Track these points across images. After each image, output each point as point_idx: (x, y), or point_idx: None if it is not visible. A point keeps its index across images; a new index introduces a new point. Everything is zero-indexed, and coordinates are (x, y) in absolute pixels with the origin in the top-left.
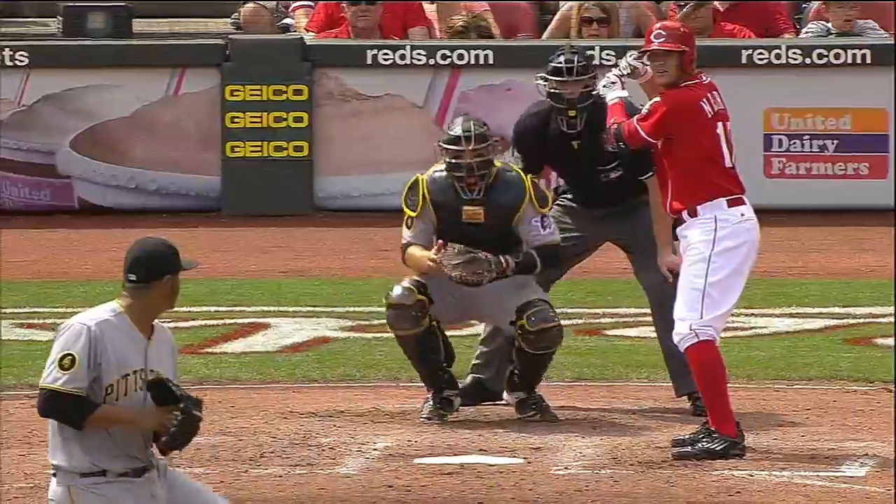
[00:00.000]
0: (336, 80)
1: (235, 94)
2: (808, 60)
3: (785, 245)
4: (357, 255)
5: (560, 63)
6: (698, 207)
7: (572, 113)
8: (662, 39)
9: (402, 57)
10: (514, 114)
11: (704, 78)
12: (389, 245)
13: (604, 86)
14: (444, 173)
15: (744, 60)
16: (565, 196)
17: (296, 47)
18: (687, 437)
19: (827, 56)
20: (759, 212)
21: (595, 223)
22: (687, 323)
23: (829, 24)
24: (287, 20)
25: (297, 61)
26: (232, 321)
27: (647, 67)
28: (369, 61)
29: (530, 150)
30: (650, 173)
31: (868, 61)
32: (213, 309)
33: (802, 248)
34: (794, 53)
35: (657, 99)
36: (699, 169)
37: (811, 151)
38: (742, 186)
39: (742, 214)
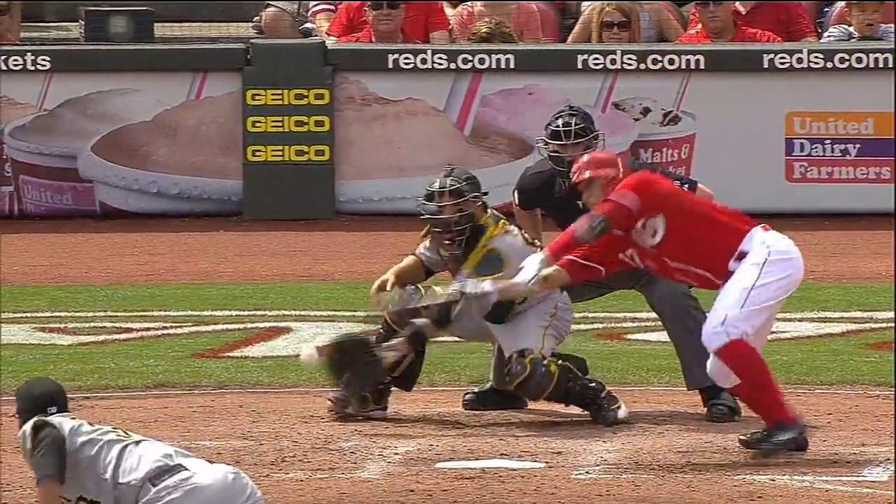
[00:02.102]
0: (357, 84)
1: (257, 98)
2: (829, 64)
3: (806, 249)
4: (378, 258)
5: (558, 127)
6: (740, 249)
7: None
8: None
9: (424, 61)
10: (536, 117)
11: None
12: (410, 249)
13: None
14: None
15: (765, 64)
16: None
17: (317, 51)
18: (756, 434)
19: (849, 60)
20: (781, 216)
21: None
22: (722, 315)
23: (851, 28)
24: (308, 24)
25: (318, 65)
26: (253, 325)
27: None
28: (390, 65)
29: (532, 204)
30: None
31: (890, 65)
32: (234, 313)
33: (824, 253)
34: (816, 57)
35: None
36: (709, 226)
37: (833, 155)
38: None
39: (779, 237)
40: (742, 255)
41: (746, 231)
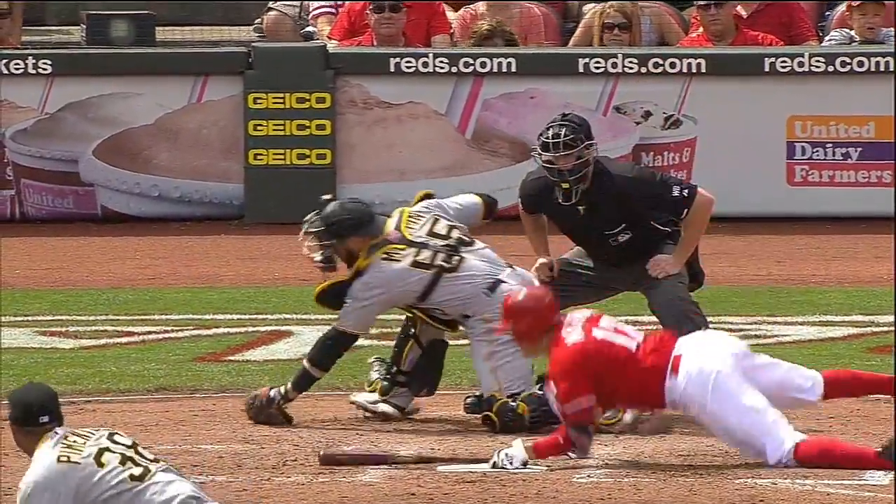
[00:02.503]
0: (359, 87)
1: (258, 101)
2: (830, 68)
3: (808, 253)
4: None
5: (548, 138)
6: (668, 401)
7: (565, 185)
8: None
9: (425, 65)
10: (537, 121)
11: (560, 320)
12: None
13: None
14: None
15: (767, 68)
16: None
17: (319, 55)
18: None
19: (850, 64)
20: (782, 219)
21: (610, 270)
22: (764, 456)
23: (853, 32)
24: (310, 28)
25: (319, 69)
26: (254, 329)
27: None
28: (392, 69)
29: (535, 209)
30: (685, 210)
31: (891, 69)
32: (235, 317)
33: (825, 256)
34: (817, 61)
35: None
36: (627, 382)
37: (834, 159)
38: (660, 352)
39: (687, 372)
40: (675, 404)
41: (661, 380)
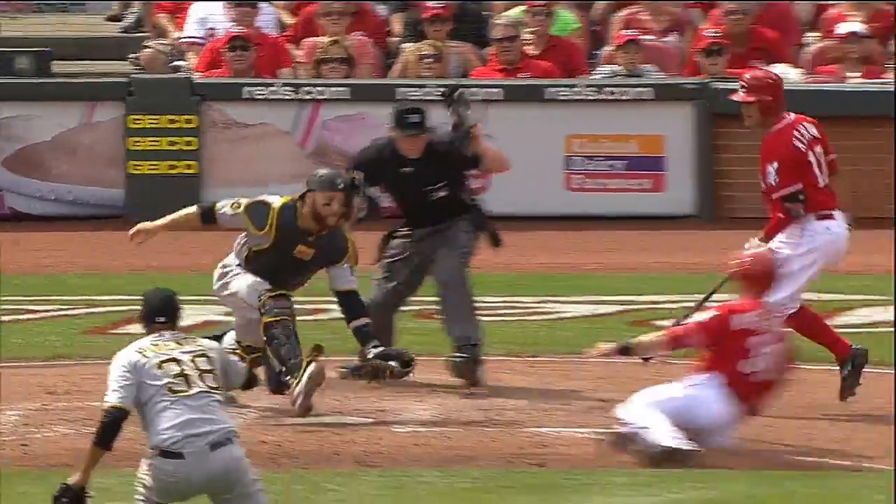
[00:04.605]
0: (219, 111)
1: (137, 122)
2: (601, 96)
3: (582, 246)
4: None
5: (409, 119)
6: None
7: (415, 157)
8: (744, 91)
9: (273, 92)
10: (367, 139)
11: (789, 116)
12: None
13: None
14: (296, 205)
15: (547, 96)
16: (399, 231)
17: (186, 84)
18: None
19: (616, 93)
20: (561, 218)
21: (422, 244)
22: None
23: (618, 67)
24: (178, 62)
25: (187, 96)
26: (134, 308)
27: None
28: (246, 95)
29: (369, 174)
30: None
31: (650, 97)
32: (118, 297)
33: (597, 249)
34: (590, 90)
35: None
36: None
37: (605, 170)
38: (834, 202)
39: (827, 228)
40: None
41: (823, 208)
